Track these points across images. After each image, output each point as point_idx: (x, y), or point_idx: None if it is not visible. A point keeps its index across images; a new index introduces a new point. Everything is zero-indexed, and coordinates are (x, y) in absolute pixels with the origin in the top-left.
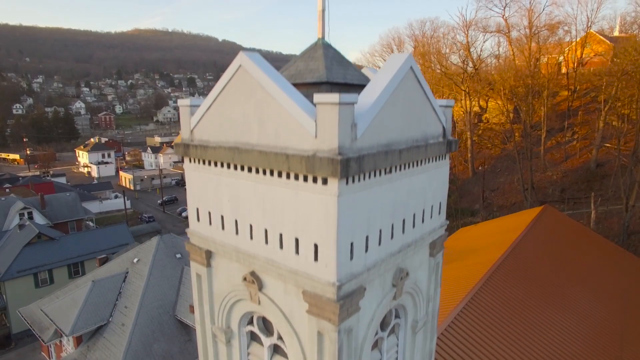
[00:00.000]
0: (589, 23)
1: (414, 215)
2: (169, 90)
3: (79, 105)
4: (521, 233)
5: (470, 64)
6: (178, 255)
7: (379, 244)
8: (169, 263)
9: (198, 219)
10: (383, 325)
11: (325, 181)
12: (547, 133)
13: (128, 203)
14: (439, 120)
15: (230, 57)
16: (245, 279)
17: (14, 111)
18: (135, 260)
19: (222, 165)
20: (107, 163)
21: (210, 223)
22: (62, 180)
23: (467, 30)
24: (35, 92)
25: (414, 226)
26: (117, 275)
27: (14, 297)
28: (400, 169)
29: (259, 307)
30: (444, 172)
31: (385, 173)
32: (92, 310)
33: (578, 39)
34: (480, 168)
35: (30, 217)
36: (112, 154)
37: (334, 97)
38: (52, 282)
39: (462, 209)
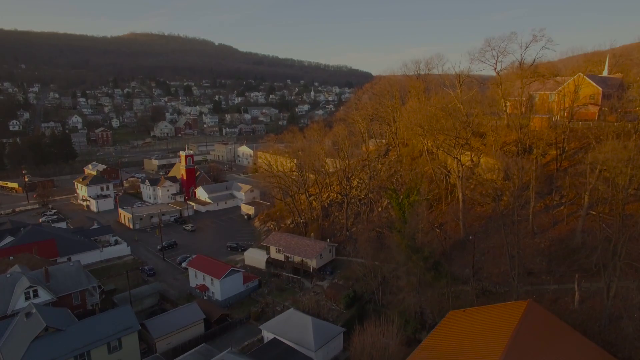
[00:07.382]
0: (577, 89)
1: None
2: (166, 99)
3: (75, 119)
4: (504, 351)
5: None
6: None
7: None
8: None
9: None
10: None
11: None
12: (535, 196)
13: (128, 249)
14: None
15: (226, 62)
16: None
17: (11, 127)
18: None
19: None
20: (106, 196)
21: None
22: (63, 225)
23: (460, 86)
24: (32, 105)
25: None
26: None
27: None
28: None
29: None
30: None
31: None
32: None
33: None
34: (471, 238)
35: (36, 294)
36: (111, 186)
37: None
38: None
39: (453, 273)
